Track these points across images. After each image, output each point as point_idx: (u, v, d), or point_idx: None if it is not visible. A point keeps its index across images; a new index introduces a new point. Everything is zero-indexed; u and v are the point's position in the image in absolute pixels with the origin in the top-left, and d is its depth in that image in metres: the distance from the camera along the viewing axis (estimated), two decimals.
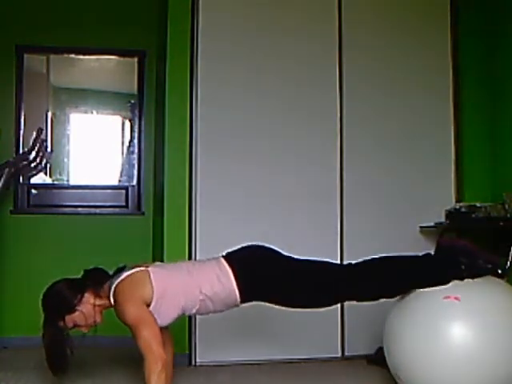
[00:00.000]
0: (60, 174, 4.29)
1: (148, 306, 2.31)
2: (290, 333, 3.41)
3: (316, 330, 3.44)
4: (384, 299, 2.52)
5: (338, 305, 3.46)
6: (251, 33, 3.51)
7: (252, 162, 3.46)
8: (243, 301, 2.43)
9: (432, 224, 3.54)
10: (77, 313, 2.38)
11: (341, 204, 3.54)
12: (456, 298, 2.28)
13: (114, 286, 2.36)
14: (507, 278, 2.67)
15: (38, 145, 3.62)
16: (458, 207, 3.45)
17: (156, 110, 4.14)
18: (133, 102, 4.33)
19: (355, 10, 3.63)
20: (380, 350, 3.19)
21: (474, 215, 3.31)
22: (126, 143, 4.38)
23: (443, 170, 3.70)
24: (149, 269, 2.38)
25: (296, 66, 3.55)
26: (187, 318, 3.34)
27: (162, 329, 2.34)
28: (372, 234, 3.55)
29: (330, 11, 3.59)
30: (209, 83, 3.44)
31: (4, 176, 3.54)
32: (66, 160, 4.29)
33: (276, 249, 2.54)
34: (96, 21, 4.20)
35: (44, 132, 3.93)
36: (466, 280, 2.38)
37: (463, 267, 2.39)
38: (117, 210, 4.23)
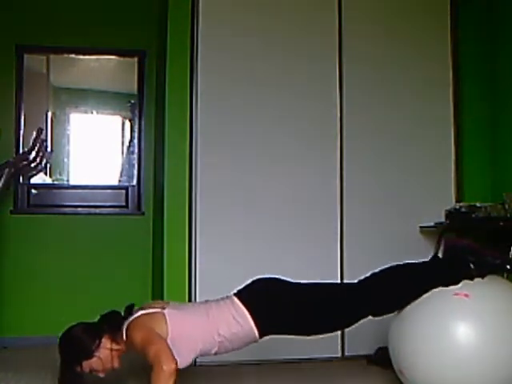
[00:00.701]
0: (60, 174, 4.29)
1: None
2: None
3: None
4: (398, 309, 2.51)
5: None
6: (251, 33, 3.51)
7: (252, 161, 3.46)
8: (262, 336, 2.42)
9: (432, 224, 3.54)
10: (94, 359, 2.34)
11: (341, 204, 3.53)
12: (465, 295, 2.29)
13: (127, 323, 2.35)
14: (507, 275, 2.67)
15: (38, 145, 3.62)
16: (457, 207, 3.45)
17: (156, 109, 4.14)
18: (133, 101, 4.33)
19: (355, 13, 3.62)
20: (380, 349, 3.19)
21: (474, 215, 3.31)
22: (126, 143, 4.39)
23: (443, 170, 3.70)
24: (165, 311, 2.34)
25: (296, 68, 3.54)
26: None
27: None
28: (372, 233, 3.55)
29: (330, 14, 3.59)
30: (209, 83, 3.44)
31: (4, 176, 3.54)
32: (66, 160, 4.29)
33: (284, 278, 2.52)
34: (96, 21, 4.20)
35: (44, 132, 3.92)
36: (475, 279, 2.38)
37: (472, 266, 2.39)
38: (117, 209, 4.23)
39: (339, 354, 3.48)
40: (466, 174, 3.73)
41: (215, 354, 2.43)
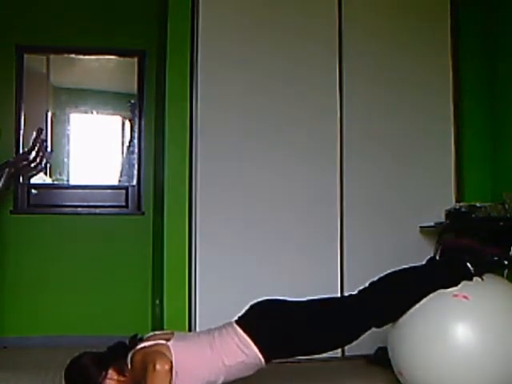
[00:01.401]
0: (60, 174, 4.29)
1: None
2: None
3: None
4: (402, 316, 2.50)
5: None
6: (251, 33, 3.51)
7: (252, 161, 3.46)
8: (268, 360, 2.40)
9: (432, 224, 3.54)
10: None
11: (341, 204, 3.53)
12: (465, 297, 2.29)
13: (131, 353, 2.34)
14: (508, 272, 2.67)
15: (38, 145, 3.61)
16: (457, 207, 3.45)
17: (156, 110, 4.14)
18: (133, 101, 4.33)
19: (355, 10, 3.62)
20: (380, 349, 3.19)
21: (474, 215, 3.31)
22: (126, 143, 4.39)
23: (443, 170, 3.70)
24: (169, 344, 2.33)
25: (296, 66, 3.54)
26: (187, 318, 3.34)
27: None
28: (372, 233, 3.54)
29: (330, 11, 3.59)
30: (209, 83, 3.43)
31: (4, 176, 3.54)
32: (66, 160, 4.29)
33: (282, 298, 2.51)
34: (96, 21, 4.20)
35: (44, 132, 3.92)
36: (474, 279, 2.38)
37: (470, 266, 2.39)
38: (117, 209, 4.23)
39: (339, 354, 3.47)
40: (466, 174, 3.73)
41: (222, 383, 2.40)
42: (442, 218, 3.56)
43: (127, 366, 2.35)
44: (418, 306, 2.41)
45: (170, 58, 3.45)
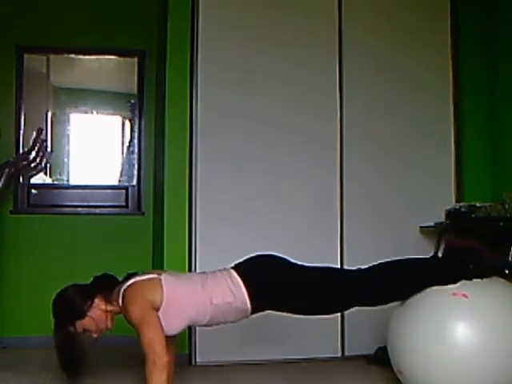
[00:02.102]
0: (60, 174, 4.29)
1: (156, 311, 2.30)
2: (290, 333, 3.41)
3: (316, 330, 3.44)
4: (394, 302, 2.53)
5: None
6: (251, 33, 3.51)
7: (252, 161, 3.46)
8: (254, 309, 2.41)
9: (432, 224, 3.54)
10: (87, 318, 2.37)
11: (341, 204, 3.53)
12: (464, 296, 2.29)
13: (123, 289, 2.35)
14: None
15: (38, 145, 3.62)
16: (457, 207, 3.45)
17: (156, 110, 4.14)
18: (133, 101, 4.33)
19: (355, 10, 3.63)
20: (380, 349, 3.19)
21: (473, 215, 3.31)
22: (126, 143, 4.38)
23: (443, 169, 3.70)
24: (161, 276, 2.36)
25: (296, 66, 3.54)
26: None
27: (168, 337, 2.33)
28: (372, 233, 3.55)
29: (329, 11, 3.59)
30: (209, 83, 3.44)
31: (4, 176, 3.54)
32: (66, 160, 4.29)
33: (284, 257, 2.53)
34: (96, 21, 4.20)
35: (44, 132, 3.92)
36: (474, 279, 2.38)
37: (471, 267, 2.39)
38: (117, 210, 4.22)
39: (339, 354, 3.48)
40: (466, 174, 3.73)
41: (206, 325, 2.45)
42: (442, 218, 3.57)
43: (117, 298, 2.37)
44: (417, 304, 2.41)
45: (170, 58, 3.46)
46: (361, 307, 2.54)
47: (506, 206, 3.21)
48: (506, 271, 2.37)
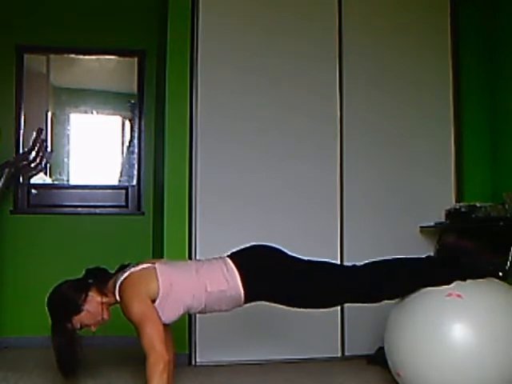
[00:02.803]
0: (60, 174, 4.29)
1: (153, 301, 2.31)
2: (290, 333, 3.41)
3: (316, 330, 3.44)
4: (387, 300, 2.53)
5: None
6: (251, 33, 3.51)
7: (252, 161, 3.46)
8: (247, 298, 2.42)
9: (432, 224, 3.54)
10: (83, 312, 2.38)
11: (341, 204, 3.53)
12: (458, 296, 2.29)
13: (120, 282, 2.36)
14: (508, 280, 2.67)
15: (38, 145, 3.62)
16: (458, 207, 3.45)
17: (156, 109, 4.14)
18: (133, 101, 4.33)
19: (355, 10, 3.63)
20: (380, 349, 3.19)
21: (473, 215, 3.31)
22: (126, 143, 4.38)
23: (443, 170, 3.70)
24: (156, 265, 2.38)
25: (296, 67, 3.54)
26: (187, 318, 3.34)
27: (164, 327, 2.33)
28: (372, 234, 3.55)
29: (329, 12, 3.59)
30: (209, 83, 3.44)
31: (4, 176, 3.54)
32: (66, 160, 4.29)
33: (282, 248, 2.55)
34: (96, 21, 4.20)
35: (44, 132, 3.92)
36: (468, 280, 2.38)
37: (465, 267, 2.40)
38: (117, 209, 4.22)
39: (339, 354, 3.48)
40: (466, 174, 3.73)
41: (201, 312, 2.46)
42: (442, 218, 3.57)
43: (112, 290, 2.38)
44: (412, 306, 2.41)
45: (170, 58, 3.46)
46: (354, 303, 2.54)
47: (506, 206, 3.21)
48: (500, 274, 2.37)
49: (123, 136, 4.40)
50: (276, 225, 3.44)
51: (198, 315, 3.32)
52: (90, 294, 2.40)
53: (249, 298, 2.42)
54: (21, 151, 4.02)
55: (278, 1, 3.57)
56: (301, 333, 3.42)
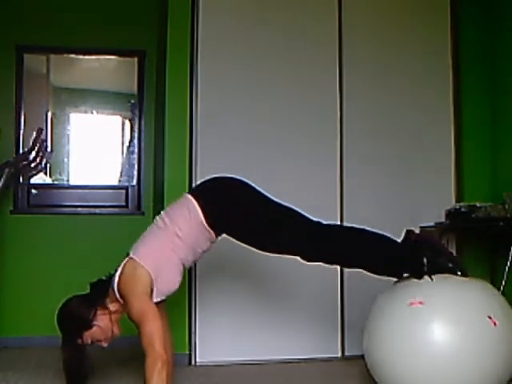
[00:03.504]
0: (60, 174, 4.29)
1: (152, 289, 2.32)
2: (290, 333, 3.41)
3: (316, 330, 3.44)
4: (336, 265, 2.59)
5: (338, 305, 3.48)
6: (251, 33, 3.51)
7: (252, 161, 3.46)
8: (211, 227, 2.40)
9: (432, 224, 3.54)
10: (94, 328, 2.37)
11: (341, 204, 3.54)
12: (420, 303, 2.26)
13: (115, 286, 2.36)
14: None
15: (38, 145, 3.62)
16: (458, 207, 3.45)
17: (156, 109, 4.14)
18: (133, 101, 4.33)
19: (355, 9, 3.63)
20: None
21: (473, 215, 3.31)
22: (126, 143, 4.39)
23: (443, 170, 3.70)
24: (132, 256, 2.37)
25: (296, 66, 3.54)
26: (187, 318, 3.34)
27: (164, 327, 2.33)
28: None
29: (330, 11, 3.59)
30: (209, 83, 3.44)
31: (4, 176, 3.54)
32: (66, 160, 4.29)
33: (251, 183, 2.53)
34: (96, 21, 4.20)
35: (44, 132, 3.93)
36: (424, 279, 2.33)
37: (425, 261, 2.36)
38: (117, 209, 4.23)
39: (339, 354, 3.48)
40: (466, 174, 3.73)
41: (193, 260, 2.49)
42: (442, 218, 3.57)
43: (115, 297, 2.38)
44: (378, 319, 2.36)
45: (170, 58, 3.45)
46: (304, 260, 2.48)
47: (506, 206, 3.21)
48: (459, 273, 2.35)
49: (123, 136, 4.40)
50: None
51: (198, 315, 3.32)
52: (99, 308, 2.39)
53: (213, 229, 2.41)
54: (21, 151, 4.02)
55: (278, 1, 3.56)
56: (301, 333, 3.42)
